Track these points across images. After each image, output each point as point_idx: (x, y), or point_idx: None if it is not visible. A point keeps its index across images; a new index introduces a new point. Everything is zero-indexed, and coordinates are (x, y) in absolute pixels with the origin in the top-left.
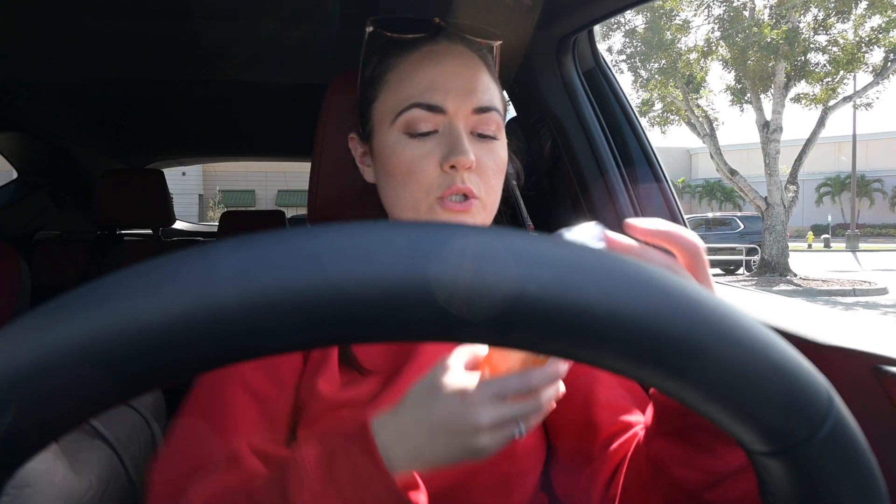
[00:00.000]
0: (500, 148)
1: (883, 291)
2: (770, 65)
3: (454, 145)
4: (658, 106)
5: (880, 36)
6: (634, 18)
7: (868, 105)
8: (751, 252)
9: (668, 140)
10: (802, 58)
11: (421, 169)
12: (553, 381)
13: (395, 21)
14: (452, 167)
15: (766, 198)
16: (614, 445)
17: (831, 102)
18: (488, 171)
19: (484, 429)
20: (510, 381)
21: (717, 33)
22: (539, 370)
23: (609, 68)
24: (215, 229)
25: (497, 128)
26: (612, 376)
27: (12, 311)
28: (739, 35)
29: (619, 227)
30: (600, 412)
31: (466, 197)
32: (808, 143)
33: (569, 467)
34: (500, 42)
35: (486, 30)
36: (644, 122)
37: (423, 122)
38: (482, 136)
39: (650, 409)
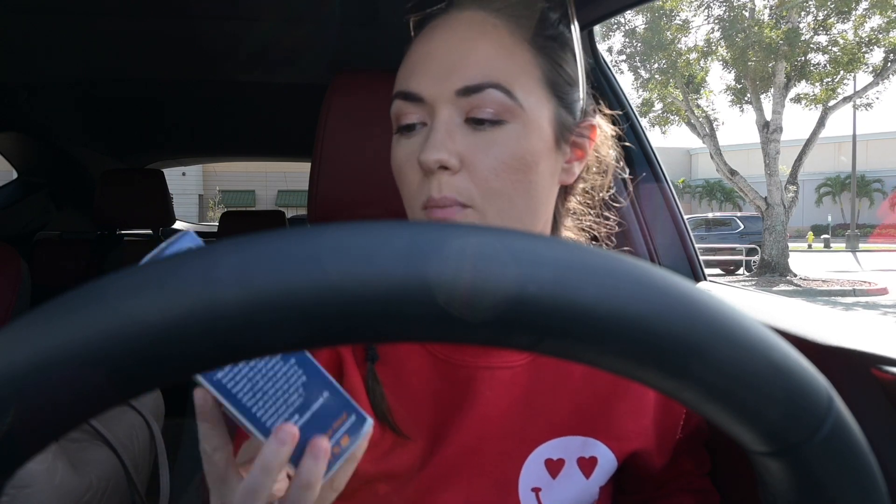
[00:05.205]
0: (509, 137)
1: (883, 291)
2: (770, 65)
3: (426, 141)
4: (658, 106)
5: (880, 36)
6: (634, 18)
7: (868, 105)
8: (751, 252)
9: (668, 140)
10: (802, 58)
11: (405, 173)
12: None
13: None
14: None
15: (766, 198)
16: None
17: (831, 102)
18: (483, 169)
19: None
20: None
21: (717, 33)
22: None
23: (609, 68)
24: (215, 229)
25: (500, 110)
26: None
27: (12, 311)
28: (739, 35)
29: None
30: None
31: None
32: (808, 143)
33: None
34: None
35: None
36: (644, 122)
37: (407, 115)
38: (478, 123)
39: None
